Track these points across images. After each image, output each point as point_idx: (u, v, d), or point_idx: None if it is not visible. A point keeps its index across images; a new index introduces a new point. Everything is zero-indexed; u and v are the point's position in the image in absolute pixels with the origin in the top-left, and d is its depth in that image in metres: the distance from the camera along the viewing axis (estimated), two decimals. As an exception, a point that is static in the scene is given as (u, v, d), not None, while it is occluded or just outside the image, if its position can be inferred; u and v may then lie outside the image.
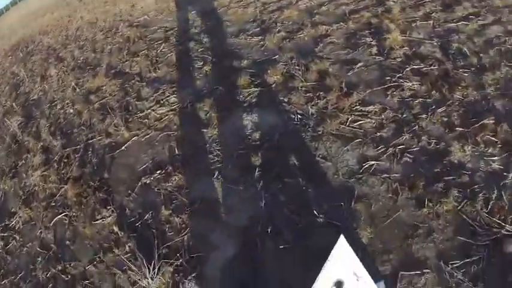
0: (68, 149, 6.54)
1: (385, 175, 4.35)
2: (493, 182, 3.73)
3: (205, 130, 5.34)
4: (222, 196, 4.63)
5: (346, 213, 4.14)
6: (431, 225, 3.80)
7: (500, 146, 4.00)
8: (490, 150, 4.00)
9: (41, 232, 5.55)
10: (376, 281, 2.69)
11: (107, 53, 8.32)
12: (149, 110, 6.16)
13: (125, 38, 8.86)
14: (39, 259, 5.17)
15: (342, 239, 2.83)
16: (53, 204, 5.97)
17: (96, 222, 5.18)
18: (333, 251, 2.79)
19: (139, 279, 4.39)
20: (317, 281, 2.74)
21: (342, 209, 4.16)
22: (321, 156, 4.68)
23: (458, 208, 3.69)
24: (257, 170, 4.60)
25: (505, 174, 3.76)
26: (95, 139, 6.30)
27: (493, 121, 4.43)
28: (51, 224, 5.53)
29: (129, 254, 4.76)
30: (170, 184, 4.92)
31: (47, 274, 4.92)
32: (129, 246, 4.79)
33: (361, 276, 2.72)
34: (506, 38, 5.62)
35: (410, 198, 4.10)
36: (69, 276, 4.80)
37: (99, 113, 6.66)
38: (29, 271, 5.05)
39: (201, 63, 6.69)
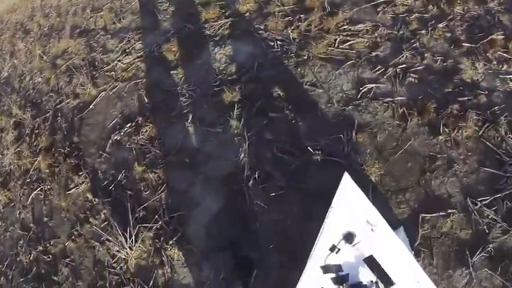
0: (37, 119, 5.66)
1: (388, 99, 3.53)
2: None
3: (174, 72, 4.34)
4: (199, 142, 3.74)
5: (347, 147, 3.25)
6: (450, 156, 3.13)
7: None
8: (504, 68, 3.45)
9: (20, 213, 4.88)
10: (393, 228, 2.14)
11: (71, 15, 7.29)
12: (115, 62, 5.23)
13: None
14: (21, 242, 4.53)
15: (346, 178, 2.25)
16: (28, 180, 5.17)
17: (70, 192, 4.43)
18: (336, 194, 2.22)
19: (117, 251, 3.53)
20: (321, 233, 2.19)
21: (342, 143, 3.24)
22: (309, 83, 3.76)
23: (480, 134, 3.15)
24: (236, 107, 3.65)
25: None
26: (63, 103, 5.42)
27: (503, 36, 3.66)
28: (29, 202, 4.83)
29: (105, 223, 3.99)
30: (142, 137, 4.07)
31: (30, 257, 4.27)
32: (104, 214, 3.98)
33: (375, 225, 2.15)
34: None
35: (421, 125, 3.34)
36: (50, 257, 4.14)
37: (65, 75, 5.74)
38: (13, 257, 4.43)
39: (167, 4, 5.59)
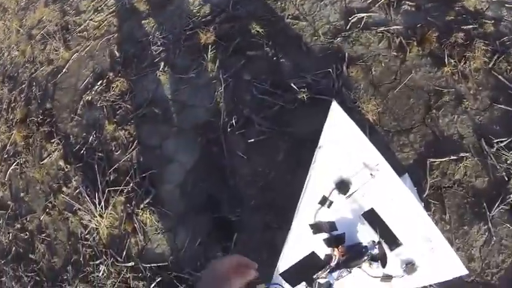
0: (14, 92, 5.13)
1: (382, 28, 2.93)
2: None
3: (146, 22, 3.73)
4: (172, 92, 3.13)
5: (337, 82, 2.60)
6: (459, 90, 2.57)
7: None
8: None
9: (-2, 192, 4.42)
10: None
11: None
12: (88, 21, 4.64)
13: None
14: (1, 221, 4.08)
15: (334, 108, 1.78)
16: (6, 156, 4.62)
17: (44, 161, 3.90)
18: (324, 131, 1.73)
19: (89, 220, 2.99)
20: (307, 183, 1.72)
21: (331, 78, 2.60)
22: (291, 17, 3.07)
23: (490, 66, 2.60)
24: (210, 48, 3.01)
25: None
26: (38, 71, 4.85)
27: None
28: (6, 179, 4.35)
29: (77, 191, 3.41)
30: (112, 93, 3.55)
31: (9, 237, 3.84)
32: (75, 181, 3.38)
33: (375, 168, 1.67)
34: None
35: (423, 56, 2.76)
36: (28, 234, 3.70)
37: (40, 43, 5.15)
38: (-5, 239, 4.01)
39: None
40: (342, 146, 1.70)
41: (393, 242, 1.63)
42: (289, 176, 2.53)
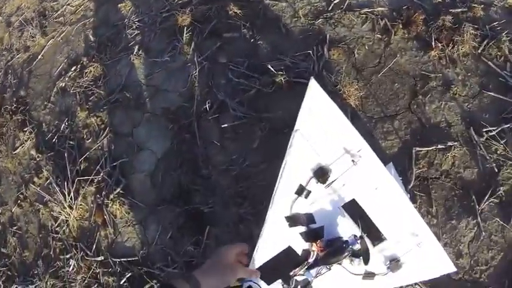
0: None
1: (366, 10, 2.72)
2: None
3: (122, 5, 3.47)
4: (145, 76, 2.89)
5: (317, 65, 2.37)
6: (446, 75, 2.40)
7: None
8: None
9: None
10: None
11: None
12: (65, 7, 4.36)
13: None
14: None
15: (313, 85, 1.56)
16: None
17: (16, 151, 3.62)
18: (300, 112, 1.53)
19: (59, 212, 2.76)
20: (282, 171, 1.51)
21: (311, 60, 2.35)
22: (271, -2, 2.83)
23: (479, 51, 2.43)
24: (186, 30, 2.76)
25: None
26: (14, 59, 4.55)
27: None
28: None
29: (48, 181, 3.27)
30: (86, 79, 3.29)
31: None
32: (47, 171, 3.14)
33: (358, 155, 1.48)
34: None
35: (409, 39, 2.56)
36: (0, 227, 3.48)
37: (17, 30, 4.86)
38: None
39: None
40: (321, 129, 1.52)
41: (376, 236, 1.49)
42: (266, 165, 2.31)
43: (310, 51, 2.52)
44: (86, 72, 3.40)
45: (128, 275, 2.57)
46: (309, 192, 1.51)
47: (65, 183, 2.97)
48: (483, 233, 2.06)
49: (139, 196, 2.67)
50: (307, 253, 1.46)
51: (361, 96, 2.37)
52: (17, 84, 4.38)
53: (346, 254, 1.41)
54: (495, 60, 2.42)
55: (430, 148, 2.25)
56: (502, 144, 2.17)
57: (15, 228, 3.36)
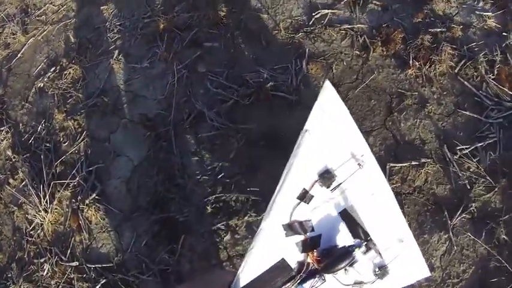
0: None
1: (346, 26, 2.72)
2: (492, 41, 2.56)
3: (105, 7, 3.39)
4: (123, 81, 2.82)
5: (295, 79, 2.34)
6: (422, 94, 2.42)
7: (491, 1, 2.72)
8: (480, 4, 2.74)
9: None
10: None
11: None
12: (47, 5, 4.20)
13: None
14: None
15: (327, 85, 1.47)
16: None
17: (-7, 151, 3.39)
18: (312, 111, 1.42)
19: (34, 215, 2.85)
20: (287, 173, 1.41)
21: (289, 74, 2.33)
22: (253, 8, 2.80)
23: (456, 71, 2.47)
24: (167, 37, 2.70)
25: (504, 34, 2.57)
26: (-7, 60, 4.37)
27: None
28: None
29: (23, 183, 3.17)
30: (65, 81, 3.21)
31: None
32: (22, 172, 3.04)
33: (362, 160, 1.41)
34: None
35: (387, 56, 2.57)
36: None
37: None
38: None
39: None
40: (330, 132, 1.45)
41: (369, 244, 1.44)
42: (241, 176, 2.28)
43: (289, 65, 2.50)
44: (65, 74, 3.31)
45: (102, 282, 2.52)
46: (312, 197, 1.43)
47: (41, 186, 2.88)
48: (455, 247, 2.10)
49: (115, 202, 2.61)
50: (301, 265, 1.38)
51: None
52: None
53: (352, 258, 1.35)
54: (471, 80, 2.45)
55: (404, 164, 2.27)
56: (474, 162, 2.21)
57: (-12, 230, 3.25)
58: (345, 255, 1.36)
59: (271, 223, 1.41)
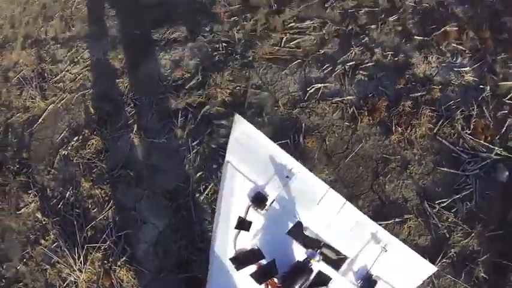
0: None
1: (337, 99, 3.17)
2: (469, 96, 2.90)
3: (120, 80, 3.81)
4: (144, 155, 3.24)
5: (294, 153, 2.78)
6: (404, 156, 2.80)
7: (469, 55, 3.14)
8: (458, 61, 3.15)
9: (-26, 238, 4.26)
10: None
11: (23, 25, 6.54)
12: (64, 72, 4.68)
13: (41, 5, 7.03)
14: None
15: (237, 119, 1.57)
16: None
17: (21, 211, 3.90)
18: (229, 143, 1.54)
19: (68, 274, 3.22)
20: (219, 208, 1.49)
21: (289, 148, 2.76)
22: (254, 86, 3.27)
23: (435, 131, 2.82)
24: (180, 115, 3.15)
25: (481, 87, 2.92)
26: (14, 117, 4.77)
27: (456, 28, 3.34)
28: None
29: (55, 244, 3.50)
30: (88, 151, 3.63)
31: None
32: (54, 234, 3.48)
33: (292, 172, 1.49)
34: None
35: (373, 125, 3.00)
36: (4, 281, 3.64)
37: (16, 88, 5.07)
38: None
39: (114, 10, 5.03)
40: (251, 157, 1.50)
41: (337, 258, 1.43)
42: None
43: (288, 140, 2.93)
44: (89, 145, 3.70)
45: (133, 334, 2.87)
46: (250, 223, 1.40)
47: (75, 249, 3.24)
48: (437, 288, 2.43)
49: (144, 263, 2.99)
50: None
51: (330, 180, 2.79)
52: (18, 144, 4.59)
53: (309, 270, 1.30)
54: (449, 137, 2.84)
55: (389, 222, 2.65)
56: (452, 212, 2.58)
57: (20, 284, 3.56)
58: (301, 269, 1.31)
59: (218, 261, 1.38)
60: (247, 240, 1.41)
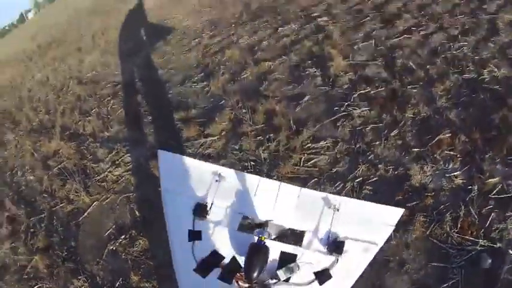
0: (33, 219, 5.81)
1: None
2: (458, 198, 3.26)
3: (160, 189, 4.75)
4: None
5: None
6: (402, 257, 3.15)
7: (460, 159, 3.48)
8: (450, 166, 3.50)
9: (18, 311, 4.71)
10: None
11: (60, 114, 7.51)
12: (106, 172, 5.55)
13: (76, 97, 8.10)
14: None
15: (161, 154, 1.82)
16: (25, 276, 5.18)
17: (70, 294, 4.47)
18: (161, 177, 1.80)
19: None
20: (169, 231, 1.69)
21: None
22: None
23: (427, 233, 3.17)
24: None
25: (469, 187, 3.28)
26: (58, 206, 5.61)
27: (449, 134, 3.78)
28: None
29: None
30: (136, 249, 4.40)
31: None
32: None
33: (221, 175, 1.73)
34: (451, 44, 5.14)
35: None
36: None
37: (58, 178, 5.95)
38: None
39: (150, 117, 6.12)
40: (183, 178, 1.68)
41: (297, 237, 1.55)
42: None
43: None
44: (136, 244, 4.57)
45: None
46: (199, 232, 1.55)
47: None
48: None
49: None
50: None
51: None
52: (64, 232, 5.30)
53: (265, 247, 1.41)
54: (440, 237, 3.06)
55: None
56: None
57: None
58: (256, 250, 1.40)
59: (185, 278, 1.46)
60: (204, 248, 1.53)
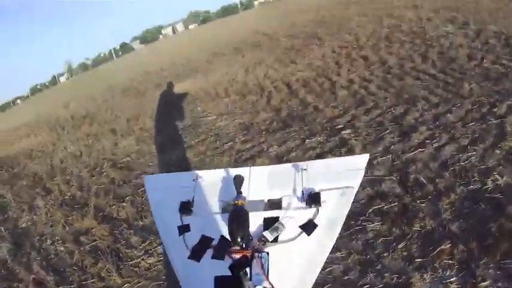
0: (61, 287, 6.41)
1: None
2: None
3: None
4: None
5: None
6: None
7: (457, 266, 3.59)
8: (447, 273, 3.61)
9: None
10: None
11: (93, 193, 8.28)
12: (139, 259, 6.15)
13: (110, 179, 8.90)
14: None
15: (147, 180, 2.03)
16: None
17: None
18: (151, 203, 2.00)
19: None
20: (162, 235, 1.88)
21: None
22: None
23: None
24: None
25: None
26: (88, 281, 6.16)
27: (450, 245, 4.17)
28: None
29: None
30: None
31: None
32: None
33: (199, 177, 1.92)
34: (460, 156, 5.50)
35: None
36: None
37: (90, 255, 6.49)
38: None
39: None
40: (169, 189, 1.84)
41: (275, 203, 1.64)
42: None
43: None
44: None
45: None
46: (188, 225, 1.68)
47: None
48: None
49: None
50: (235, 268, 1.46)
51: None
52: None
53: (243, 210, 1.52)
54: None
55: None
56: None
57: None
58: (236, 214, 1.51)
59: (182, 266, 1.55)
60: (193, 236, 1.65)
